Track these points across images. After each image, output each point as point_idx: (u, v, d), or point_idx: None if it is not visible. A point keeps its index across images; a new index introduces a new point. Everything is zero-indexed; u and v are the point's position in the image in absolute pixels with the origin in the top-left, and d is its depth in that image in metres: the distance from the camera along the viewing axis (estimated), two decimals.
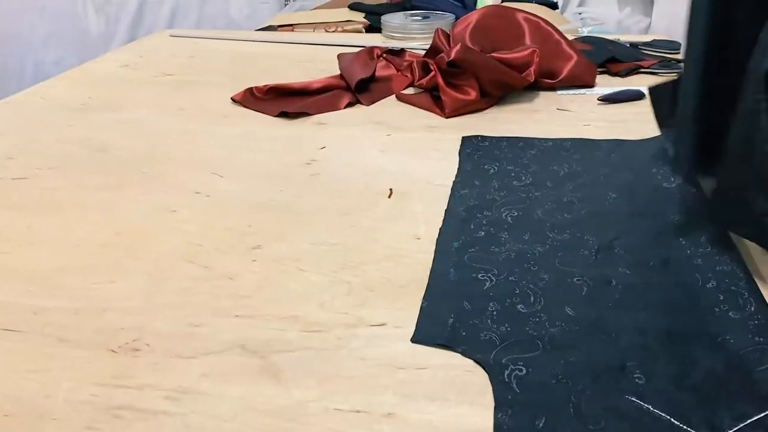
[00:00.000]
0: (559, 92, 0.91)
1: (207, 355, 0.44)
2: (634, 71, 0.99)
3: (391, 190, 0.64)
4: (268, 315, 0.47)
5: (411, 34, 1.22)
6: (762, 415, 0.37)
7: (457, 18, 1.16)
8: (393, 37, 1.23)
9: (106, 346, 0.45)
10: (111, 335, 0.46)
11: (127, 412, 0.39)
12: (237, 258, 0.54)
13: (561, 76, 0.93)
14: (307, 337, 0.45)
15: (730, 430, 0.36)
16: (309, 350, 0.44)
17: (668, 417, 0.37)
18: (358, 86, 0.92)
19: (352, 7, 1.62)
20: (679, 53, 1.07)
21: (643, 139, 0.74)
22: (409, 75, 0.97)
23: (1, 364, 0.43)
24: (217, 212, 0.62)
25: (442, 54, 0.89)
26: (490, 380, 0.40)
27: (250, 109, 0.88)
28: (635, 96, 0.88)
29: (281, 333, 0.45)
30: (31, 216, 0.62)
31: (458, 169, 0.69)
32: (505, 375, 0.41)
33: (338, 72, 0.98)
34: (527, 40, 0.96)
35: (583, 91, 0.92)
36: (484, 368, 0.41)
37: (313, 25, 1.48)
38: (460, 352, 0.43)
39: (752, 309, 0.46)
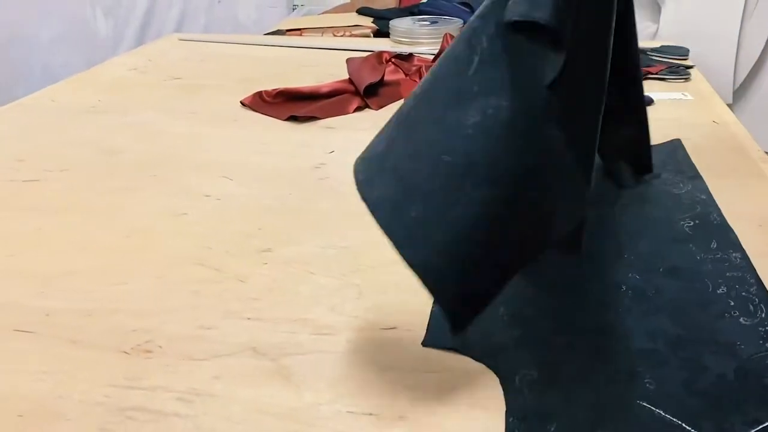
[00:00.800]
0: None
1: (218, 357, 0.44)
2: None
3: None
4: (278, 318, 0.47)
5: (419, 38, 1.22)
6: None
7: (464, 23, 1.17)
8: (401, 42, 1.24)
9: (118, 348, 0.45)
10: (122, 337, 0.46)
11: (140, 414, 0.39)
12: (247, 261, 0.55)
13: None
14: (318, 340, 0.45)
15: None
16: (320, 353, 0.44)
17: (679, 422, 0.37)
18: (366, 90, 0.92)
19: (360, 11, 1.63)
20: (687, 59, 1.07)
21: (651, 145, 0.74)
22: (417, 80, 0.97)
23: (15, 365, 0.44)
24: (226, 215, 0.62)
25: None
26: (501, 385, 0.41)
27: (259, 112, 0.89)
28: None
29: (292, 336, 0.46)
30: (41, 218, 0.62)
31: None
32: (516, 380, 0.41)
33: (347, 76, 0.99)
34: None
35: None
36: (495, 373, 0.41)
37: (322, 30, 1.48)
38: (471, 357, 0.43)
39: (763, 315, 0.46)
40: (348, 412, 0.39)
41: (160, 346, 0.45)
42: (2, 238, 0.59)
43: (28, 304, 0.50)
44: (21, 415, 0.39)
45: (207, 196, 0.66)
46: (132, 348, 0.45)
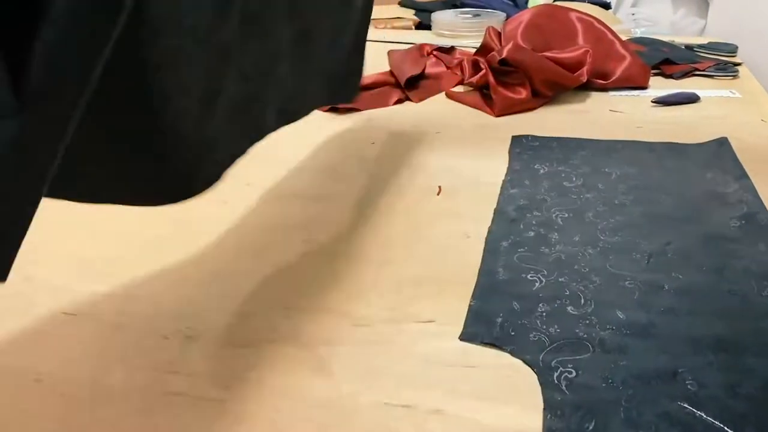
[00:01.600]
0: (611, 93, 0.90)
1: (258, 346, 0.44)
2: (688, 74, 0.97)
3: (440, 187, 0.64)
4: (317, 308, 0.48)
5: (461, 31, 1.21)
6: None
7: (508, 16, 1.16)
8: (443, 35, 1.23)
9: (160, 333, 0.45)
10: (165, 322, 0.47)
11: (181, 398, 0.40)
12: (287, 250, 0.55)
13: (614, 77, 0.92)
14: (357, 332, 0.45)
15: None
16: (358, 344, 0.44)
17: (721, 425, 0.37)
18: (407, 83, 0.92)
19: (403, 4, 1.62)
20: (735, 56, 1.05)
21: (697, 143, 0.73)
22: (458, 73, 0.96)
23: (59, 347, 0.45)
24: (268, 205, 0.63)
25: (493, 52, 0.88)
26: (539, 381, 0.40)
27: None
28: (690, 99, 0.87)
29: (331, 327, 0.46)
30: (88, 205, 0.63)
31: (508, 168, 0.68)
32: (555, 377, 0.40)
33: (388, 69, 0.99)
34: (580, 40, 0.95)
35: (636, 92, 0.91)
36: (533, 369, 0.41)
37: None
38: (509, 352, 0.43)
39: None
40: (384, 403, 0.39)
41: (201, 333, 0.45)
42: (53, 224, 0.60)
43: (74, 287, 0.51)
44: (63, 395, 0.40)
45: (248, 185, 0.66)
46: (174, 333, 0.45)
